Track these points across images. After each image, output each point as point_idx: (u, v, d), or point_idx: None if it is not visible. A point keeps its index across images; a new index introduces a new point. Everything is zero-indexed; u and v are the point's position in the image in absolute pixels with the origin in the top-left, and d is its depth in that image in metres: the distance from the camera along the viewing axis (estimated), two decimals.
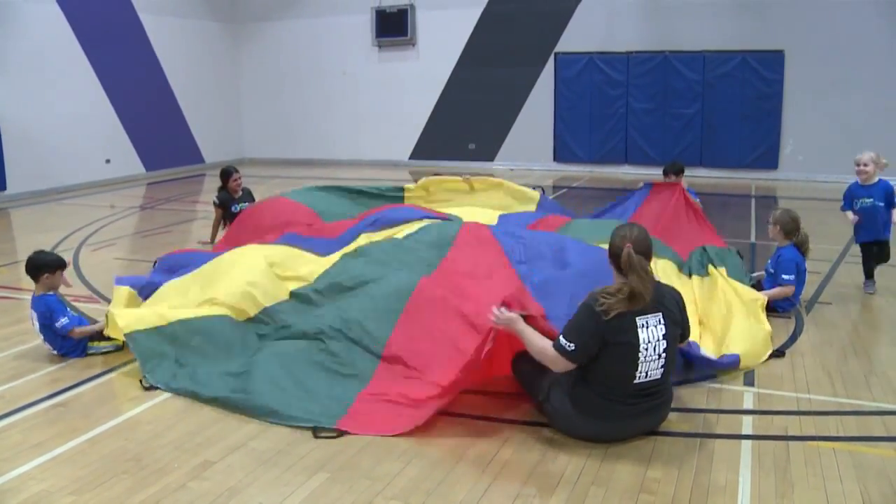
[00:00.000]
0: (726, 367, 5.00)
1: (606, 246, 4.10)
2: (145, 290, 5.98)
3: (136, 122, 16.55)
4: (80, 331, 5.47)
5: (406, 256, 5.97)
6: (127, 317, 5.19)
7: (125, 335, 5.05)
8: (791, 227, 6.31)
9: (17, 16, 13.82)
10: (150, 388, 4.84)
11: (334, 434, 4.17)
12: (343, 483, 3.70)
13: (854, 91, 14.15)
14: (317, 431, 4.20)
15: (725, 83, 15.12)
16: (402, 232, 6.60)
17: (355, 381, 4.73)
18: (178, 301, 5.66)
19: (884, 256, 7.00)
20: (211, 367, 4.96)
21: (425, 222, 6.76)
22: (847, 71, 14.16)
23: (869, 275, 6.99)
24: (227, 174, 8.84)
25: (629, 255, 3.88)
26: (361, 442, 4.10)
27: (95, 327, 5.53)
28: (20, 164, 13.74)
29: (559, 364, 3.94)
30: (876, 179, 6.80)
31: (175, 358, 5.03)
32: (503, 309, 4.13)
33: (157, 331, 5.12)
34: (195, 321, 5.28)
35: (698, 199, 8.28)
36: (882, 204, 6.74)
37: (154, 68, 17.10)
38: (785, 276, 6.13)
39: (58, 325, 5.37)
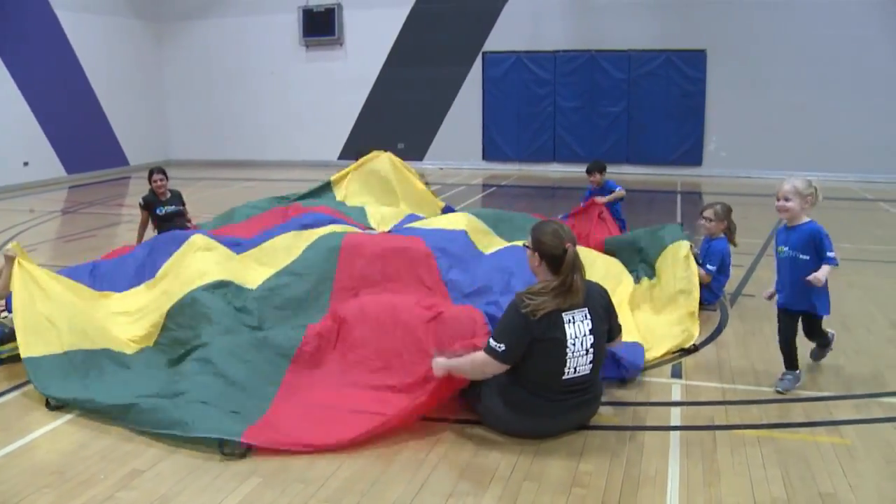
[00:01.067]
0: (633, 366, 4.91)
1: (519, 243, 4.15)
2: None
3: (55, 124, 16.04)
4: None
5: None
6: (28, 335, 4.86)
7: (24, 359, 4.75)
8: (728, 219, 6.45)
9: None
10: (57, 407, 4.59)
11: (240, 451, 3.97)
12: (275, 487, 3.65)
13: (773, 88, 14.64)
14: (223, 447, 3.98)
15: (650, 81, 15.46)
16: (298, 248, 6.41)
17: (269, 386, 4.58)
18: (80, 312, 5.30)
19: (816, 333, 4.95)
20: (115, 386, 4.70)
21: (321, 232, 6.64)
22: (766, 69, 14.64)
23: (790, 363, 4.76)
24: (149, 175, 8.64)
25: (576, 255, 3.93)
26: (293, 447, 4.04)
27: (6, 273, 5.22)
28: None
29: (491, 367, 3.95)
30: (803, 220, 4.65)
31: (77, 377, 4.75)
32: (436, 360, 4.14)
33: (61, 356, 4.82)
34: (97, 353, 4.98)
35: (620, 189, 8.46)
36: (806, 257, 4.58)
37: (73, 68, 16.61)
38: (709, 266, 6.27)
39: None
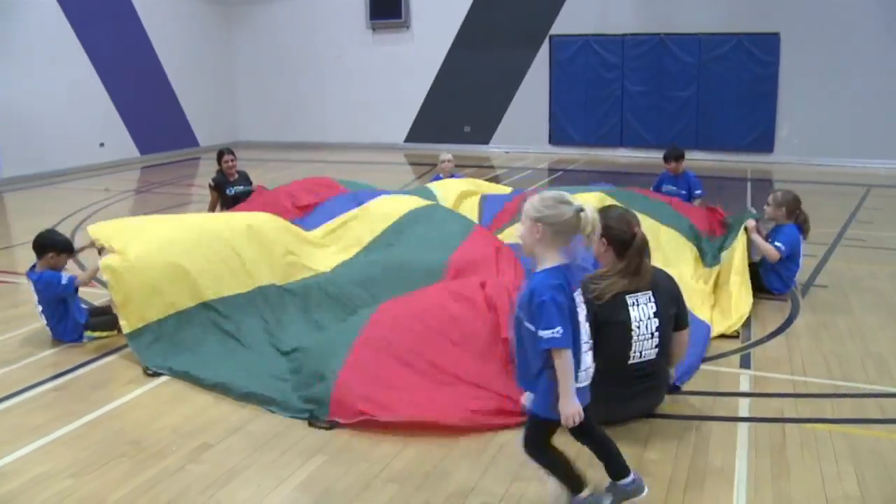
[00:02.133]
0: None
1: None
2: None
3: (130, 106, 16.47)
4: (84, 276, 5.57)
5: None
6: (130, 315, 5.11)
7: (127, 335, 5.05)
8: (794, 207, 6.31)
9: (10, 0, 13.73)
10: (154, 374, 4.84)
11: (326, 426, 4.12)
12: (340, 465, 3.71)
13: (849, 74, 14.14)
14: (312, 422, 4.16)
15: (721, 66, 15.09)
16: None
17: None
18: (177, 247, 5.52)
19: None
20: (211, 351, 5.00)
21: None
22: (843, 53, 14.15)
23: None
24: (219, 155, 8.81)
25: (644, 239, 3.90)
26: (359, 425, 4.09)
27: (90, 270, 5.62)
28: (15, 148, 13.67)
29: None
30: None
31: (177, 349, 5.03)
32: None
33: (159, 324, 5.12)
34: (194, 312, 5.25)
35: (701, 192, 8.30)
36: None
37: (147, 51, 17.01)
38: (777, 244, 6.13)
39: (63, 281, 5.38)
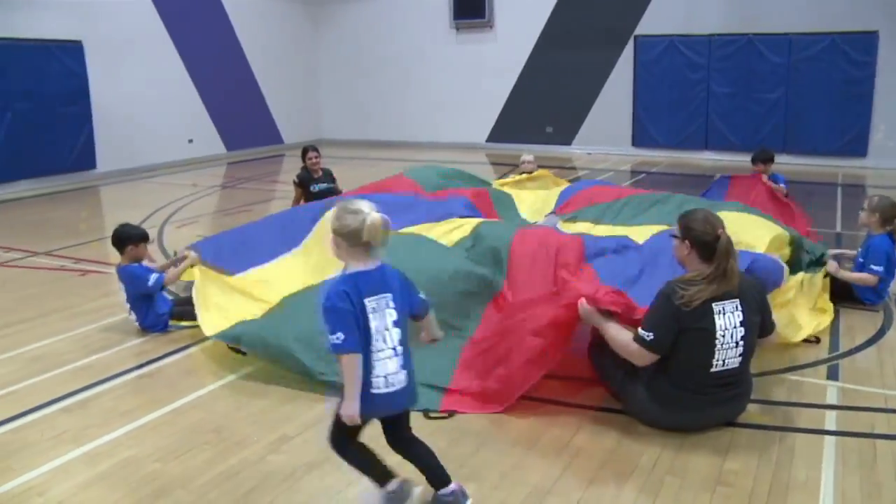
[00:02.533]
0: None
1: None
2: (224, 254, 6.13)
3: (217, 103, 16.94)
4: (173, 274, 5.74)
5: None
6: (211, 320, 5.24)
7: (212, 336, 5.13)
8: (890, 215, 6.04)
9: (105, 0, 14.24)
10: (241, 352, 4.99)
11: (445, 416, 4.22)
12: None
13: None
14: (427, 413, 4.22)
15: (812, 66, 14.60)
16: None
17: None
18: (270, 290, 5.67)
19: None
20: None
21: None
22: None
23: None
24: (303, 152, 8.97)
25: (729, 241, 3.82)
26: (435, 423, 4.13)
27: (183, 266, 5.79)
28: (109, 143, 14.20)
29: (643, 357, 3.90)
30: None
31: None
32: (583, 302, 4.14)
33: (243, 323, 5.16)
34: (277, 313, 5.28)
35: (786, 186, 8.08)
36: None
37: (235, 49, 17.46)
38: (874, 267, 5.89)
39: (150, 283, 5.55)
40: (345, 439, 3.22)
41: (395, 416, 3.18)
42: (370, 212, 3.01)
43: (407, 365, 3.13)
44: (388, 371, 3.06)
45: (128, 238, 5.76)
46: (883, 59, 14.08)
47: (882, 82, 14.15)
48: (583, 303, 4.14)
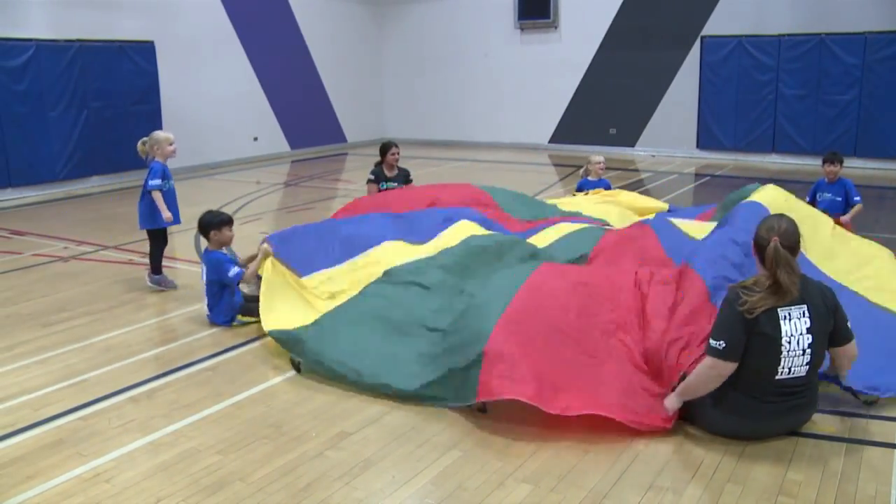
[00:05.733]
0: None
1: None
2: (294, 252, 6.15)
3: (282, 102, 17.21)
4: (250, 273, 5.81)
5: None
6: (272, 318, 5.30)
7: (269, 332, 5.18)
8: None
9: (177, 1, 14.60)
10: (299, 368, 4.94)
11: (480, 405, 4.20)
12: (475, 462, 3.74)
13: None
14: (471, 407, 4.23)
15: (888, 67, 14.12)
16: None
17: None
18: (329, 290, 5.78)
19: None
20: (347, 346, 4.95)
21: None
22: None
23: None
24: (385, 148, 8.93)
25: (776, 250, 3.72)
26: (494, 423, 4.12)
27: (257, 262, 5.82)
28: (177, 140, 14.42)
29: (717, 368, 3.76)
30: None
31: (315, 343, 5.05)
32: (668, 400, 4.06)
33: (301, 329, 5.16)
34: (334, 315, 5.32)
35: (859, 199, 7.79)
36: None
37: (301, 49, 17.69)
38: None
39: (231, 274, 5.72)
40: None
41: None
42: None
43: None
44: None
45: (208, 224, 5.98)
46: None
47: None
48: (669, 400, 4.05)
